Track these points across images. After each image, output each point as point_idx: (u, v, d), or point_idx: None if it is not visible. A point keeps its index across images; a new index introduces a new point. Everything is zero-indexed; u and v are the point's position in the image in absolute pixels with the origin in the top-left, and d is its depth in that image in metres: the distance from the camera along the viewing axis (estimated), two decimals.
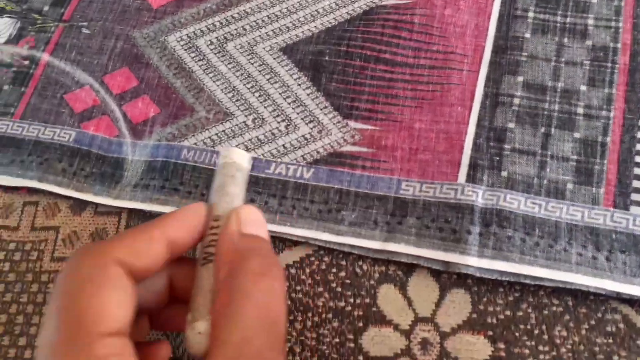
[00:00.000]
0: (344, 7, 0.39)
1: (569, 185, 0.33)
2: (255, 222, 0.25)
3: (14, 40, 0.41)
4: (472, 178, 0.33)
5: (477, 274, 0.31)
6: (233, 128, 0.36)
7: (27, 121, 0.38)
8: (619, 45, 0.36)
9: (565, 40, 0.37)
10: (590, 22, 0.37)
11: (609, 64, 0.36)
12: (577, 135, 0.34)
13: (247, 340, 0.21)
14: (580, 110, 0.35)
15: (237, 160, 0.27)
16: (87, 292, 0.21)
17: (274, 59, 0.38)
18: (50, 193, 0.36)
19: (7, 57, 0.40)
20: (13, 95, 0.39)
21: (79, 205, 0.36)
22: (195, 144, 0.36)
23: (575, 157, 0.34)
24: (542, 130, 0.34)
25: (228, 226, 0.24)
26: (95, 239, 0.35)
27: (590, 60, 0.36)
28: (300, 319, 0.32)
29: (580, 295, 0.31)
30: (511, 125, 0.35)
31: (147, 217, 0.35)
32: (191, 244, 0.25)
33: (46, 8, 0.41)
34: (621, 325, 0.30)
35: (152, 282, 0.25)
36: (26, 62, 0.40)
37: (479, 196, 0.33)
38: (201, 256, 0.24)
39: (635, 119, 0.34)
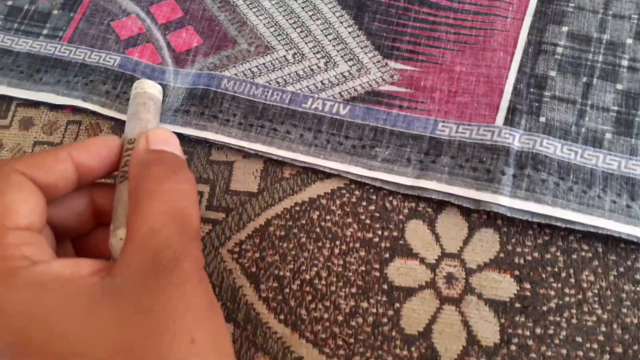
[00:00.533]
0: None
1: (608, 135, 0.33)
2: (164, 140, 0.27)
3: None
4: (509, 122, 0.33)
5: (508, 214, 0.31)
6: (273, 61, 0.37)
7: (75, 45, 0.39)
8: None
9: None
10: None
11: None
12: (619, 87, 0.34)
13: (154, 231, 0.22)
14: (625, 63, 0.34)
15: (148, 90, 0.31)
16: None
17: None
18: (93, 113, 0.37)
19: None
20: (62, 19, 0.40)
21: (119, 127, 0.37)
22: (235, 74, 0.37)
23: (615, 107, 0.33)
24: (584, 80, 0.34)
25: (138, 145, 0.27)
26: None
27: (639, 14, 0.35)
28: (328, 246, 0.32)
29: (611, 243, 0.31)
30: (552, 73, 0.34)
31: (185, 141, 0.35)
32: (103, 172, 0.27)
33: None
34: None
35: (71, 204, 0.27)
36: None
37: (515, 139, 0.33)
38: (119, 175, 0.27)
39: None
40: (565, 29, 0.35)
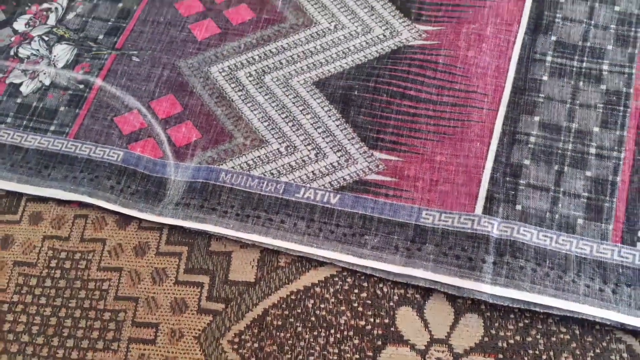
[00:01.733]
0: (374, 45, 0.42)
1: (580, 221, 0.35)
2: None
3: (71, 65, 0.44)
4: (488, 210, 0.36)
5: (490, 300, 0.33)
6: (267, 154, 0.40)
7: (80, 140, 0.41)
8: (631, 90, 0.38)
9: (581, 84, 0.39)
10: (605, 67, 0.39)
11: (621, 108, 0.38)
12: (588, 173, 0.36)
13: None
14: (593, 151, 0.37)
15: None
16: None
17: (307, 92, 0.41)
18: (99, 207, 0.39)
19: (64, 81, 0.44)
20: (68, 116, 0.43)
21: (124, 220, 0.39)
22: (232, 167, 0.39)
23: (586, 194, 0.36)
24: (556, 167, 0.37)
25: None
26: (138, 252, 0.38)
27: (604, 103, 0.38)
28: (323, 334, 0.34)
29: (587, 325, 0.33)
30: (527, 162, 0.37)
31: (186, 233, 0.38)
32: None
33: (101, 37, 0.45)
34: (625, 355, 0.32)
35: None
36: (81, 86, 0.43)
37: (494, 227, 0.35)
38: None
39: None
40: (537, 118, 0.38)
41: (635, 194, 0.36)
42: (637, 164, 0.36)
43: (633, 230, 0.35)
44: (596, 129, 0.38)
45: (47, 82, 0.44)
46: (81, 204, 0.40)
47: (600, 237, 0.35)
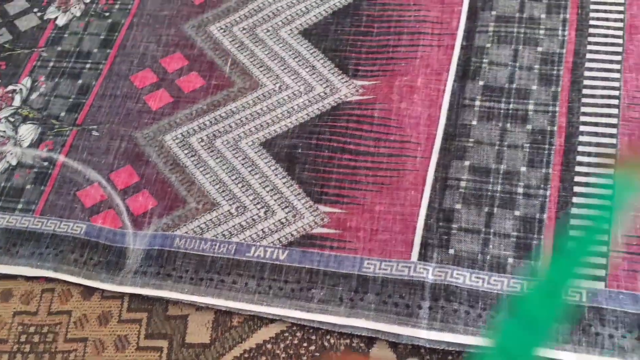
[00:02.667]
0: (316, 103, 0.45)
1: (510, 260, 0.37)
2: None
3: (35, 144, 0.47)
4: (423, 256, 0.38)
5: (427, 345, 0.35)
6: (219, 216, 0.42)
7: (46, 216, 0.44)
8: (555, 128, 0.41)
9: (508, 125, 0.41)
10: (531, 107, 0.42)
11: (547, 146, 0.40)
12: (517, 213, 0.39)
13: None
14: (520, 190, 0.39)
15: None
16: None
17: (255, 152, 0.44)
18: (64, 280, 0.42)
19: (30, 159, 0.47)
20: (34, 193, 0.45)
21: (88, 291, 0.41)
22: (186, 232, 0.42)
23: (515, 233, 0.38)
24: (486, 209, 0.39)
25: None
26: (102, 321, 0.40)
27: (530, 142, 0.41)
28: None
29: None
30: (458, 206, 0.39)
31: (145, 299, 0.40)
32: None
33: (62, 114, 0.48)
34: None
35: None
36: (45, 163, 0.46)
37: (429, 273, 0.37)
38: None
39: (569, 196, 0.38)
40: (467, 163, 0.41)
41: (561, 231, 0.38)
42: (562, 200, 0.38)
43: None
44: (523, 169, 0.40)
45: (14, 162, 0.47)
46: (48, 279, 0.42)
47: (530, 274, 0.37)
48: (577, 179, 0.39)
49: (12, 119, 0.49)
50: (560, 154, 0.40)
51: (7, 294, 0.42)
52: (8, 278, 0.43)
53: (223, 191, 0.43)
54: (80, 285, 0.41)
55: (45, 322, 0.41)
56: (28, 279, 0.42)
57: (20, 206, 0.45)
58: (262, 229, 0.41)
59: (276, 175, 0.43)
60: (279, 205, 0.42)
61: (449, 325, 0.35)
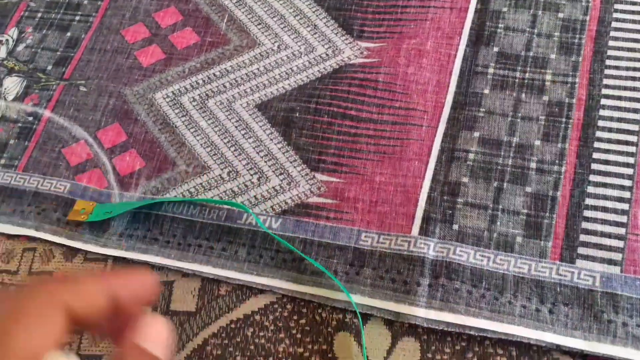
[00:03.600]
0: (316, 65, 0.42)
1: (518, 239, 0.35)
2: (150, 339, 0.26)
3: (20, 97, 0.45)
4: (424, 231, 0.35)
5: (425, 324, 0.33)
6: (209, 181, 0.40)
7: (29, 173, 0.42)
8: (574, 100, 0.38)
9: (523, 95, 0.39)
10: (548, 77, 0.39)
11: (564, 119, 0.37)
12: (528, 189, 0.36)
13: None
14: (533, 165, 0.36)
15: None
16: (28, 335, 0.23)
17: (250, 115, 0.41)
18: (47, 240, 0.40)
19: (14, 114, 0.44)
20: (18, 149, 0.43)
21: (70, 252, 0.39)
22: (175, 196, 0.39)
23: (525, 211, 0.35)
24: (495, 184, 0.36)
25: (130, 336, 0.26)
26: None
27: (546, 115, 0.38)
28: None
29: (524, 346, 0.32)
30: (465, 179, 0.37)
31: (130, 264, 0.38)
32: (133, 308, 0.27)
33: (49, 67, 0.46)
34: None
35: None
36: (30, 118, 0.44)
37: (430, 249, 0.35)
38: None
39: (586, 173, 0.36)
40: (476, 134, 0.38)
41: (575, 210, 0.35)
42: (577, 177, 0.36)
43: (572, 247, 0.34)
44: (537, 143, 0.37)
45: None
46: (29, 237, 0.40)
47: (539, 255, 0.34)
48: (595, 155, 0.36)
49: None
50: (579, 128, 0.37)
51: None
52: None
53: (214, 154, 0.40)
54: (62, 245, 0.39)
55: (26, 282, 0.39)
56: (9, 237, 0.40)
57: (2, 161, 0.43)
58: (254, 196, 0.39)
59: (271, 139, 0.40)
60: (273, 171, 0.39)
61: (449, 305, 0.33)
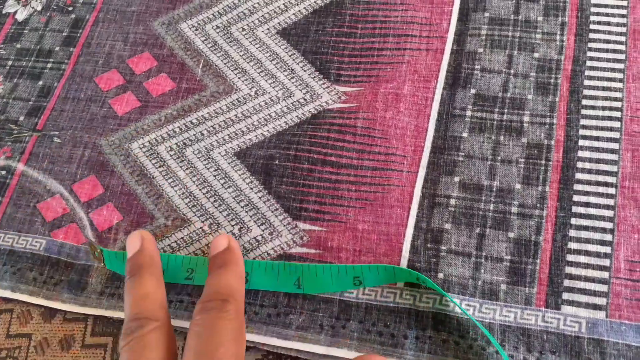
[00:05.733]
0: (295, 110, 0.42)
1: (503, 286, 0.35)
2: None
3: None
4: (410, 282, 0.35)
5: None
6: (191, 234, 0.39)
7: (3, 230, 0.41)
8: (552, 142, 0.38)
9: (502, 138, 0.39)
10: (526, 118, 0.39)
11: (543, 161, 0.37)
12: (511, 235, 0.36)
13: None
14: (515, 210, 0.37)
15: None
16: None
17: (229, 163, 0.41)
18: (24, 301, 0.38)
19: None
20: None
21: (49, 312, 0.38)
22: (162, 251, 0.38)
23: (509, 257, 0.35)
24: (477, 230, 0.36)
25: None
26: (64, 345, 0.37)
27: (525, 157, 0.38)
28: None
29: None
30: (447, 226, 0.37)
31: (111, 323, 0.37)
32: None
33: (22, 118, 0.45)
34: None
35: None
36: (3, 172, 0.43)
37: (416, 299, 0.34)
38: None
39: (567, 216, 0.36)
40: (457, 179, 0.38)
41: (558, 254, 0.35)
42: (559, 221, 0.36)
43: (557, 293, 0.34)
44: (518, 186, 0.37)
45: None
46: (6, 298, 0.39)
47: (524, 302, 0.34)
48: (575, 197, 0.36)
49: None
50: (558, 170, 0.37)
51: None
52: None
53: (194, 206, 0.40)
54: (41, 305, 0.38)
55: (3, 345, 0.38)
56: None
57: None
58: None
59: (251, 189, 0.40)
60: (254, 221, 0.39)
61: (436, 358, 0.33)
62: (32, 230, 0.41)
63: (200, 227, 0.39)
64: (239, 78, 0.44)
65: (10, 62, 0.47)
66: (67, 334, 0.37)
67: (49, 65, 0.47)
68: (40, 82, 0.46)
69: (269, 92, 0.43)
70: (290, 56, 0.44)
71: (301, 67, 0.43)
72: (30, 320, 0.38)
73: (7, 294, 0.38)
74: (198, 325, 0.30)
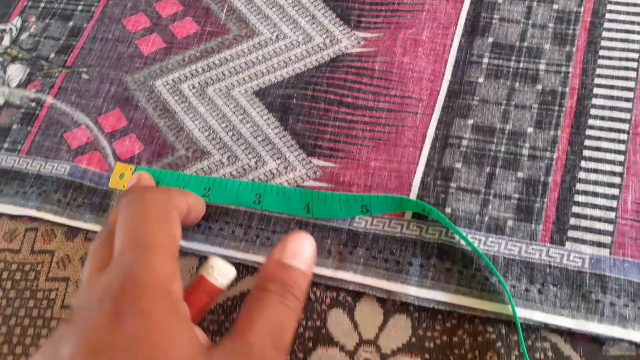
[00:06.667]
0: (314, 54, 0.43)
1: (509, 222, 0.35)
2: (293, 254, 0.31)
3: (23, 84, 0.46)
4: (417, 214, 0.36)
5: (416, 303, 0.34)
6: (210, 165, 0.40)
7: (31, 157, 0.43)
8: (567, 89, 0.38)
9: (517, 84, 0.39)
10: (542, 67, 0.39)
11: (556, 107, 0.38)
12: (520, 175, 0.37)
13: (251, 345, 0.27)
14: (526, 152, 0.37)
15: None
16: (159, 225, 0.30)
17: (247, 101, 0.42)
18: (48, 220, 0.40)
19: (18, 100, 0.45)
20: (20, 133, 0.44)
21: (71, 232, 0.40)
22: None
23: (517, 195, 0.36)
24: (488, 170, 0.37)
25: (274, 254, 0.31)
26: (84, 261, 0.39)
27: (539, 103, 0.38)
28: None
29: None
30: (458, 165, 0.37)
31: None
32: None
33: (52, 55, 0.47)
34: (550, 353, 0.32)
35: None
36: (33, 104, 0.45)
37: (422, 231, 0.35)
38: None
39: (577, 160, 0.36)
40: (470, 121, 0.39)
41: (566, 194, 0.36)
42: (569, 163, 0.36)
43: (562, 230, 0.35)
44: (530, 130, 0.38)
45: (1, 102, 0.46)
46: (32, 218, 0.41)
47: (530, 237, 0.35)
48: (587, 142, 0.37)
49: (0, 59, 0.48)
50: (571, 116, 0.38)
51: None
52: None
53: (213, 139, 0.41)
54: (64, 226, 0.40)
55: (27, 260, 0.40)
56: (12, 217, 0.41)
57: (6, 145, 0.44)
58: (252, 179, 0.39)
59: (268, 125, 0.41)
60: (270, 156, 0.40)
61: (440, 284, 0.34)
62: (57, 157, 0.42)
63: (219, 159, 0.40)
64: (261, 22, 0.45)
65: (42, 4, 0.49)
66: (88, 251, 0.39)
67: (79, 7, 0.49)
68: (71, 23, 0.48)
69: (289, 37, 0.44)
70: (311, 3, 0.45)
71: (322, 14, 0.44)
72: (54, 239, 0.40)
73: (33, 212, 0.40)
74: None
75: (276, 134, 0.41)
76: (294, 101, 0.41)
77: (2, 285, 0.39)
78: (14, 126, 0.44)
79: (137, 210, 0.30)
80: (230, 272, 0.33)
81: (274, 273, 0.30)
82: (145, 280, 0.26)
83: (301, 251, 0.31)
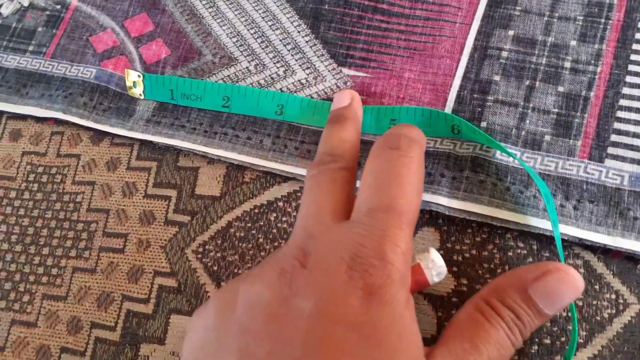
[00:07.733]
0: None
1: (547, 137, 0.34)
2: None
3: None
4: (452, 128, 0.35)
5: (447, 213, 0.33)
6: (237, 73, 0.39)
7: (57, 60, 0.42)
8: (615, 1, 0.36)
9: None
10: None
11: (602, 20, 0.36)
12: (561, 89, 0.35)
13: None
14: (568, 65, 0.35)
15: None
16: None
17: (277, 6, 0.40)
18: (74, 124, 0.40)
19: (42, 2, 0.44)
20: (46, 36, 0.43)
21: (97, 136, 0.40)
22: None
23: (556, 110, 0.35)
24: (527, 83, 0.35)
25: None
26: (110, 166, 0.39)
27: (585, 15, 0.36)
28: (283, 244, 0.35)
29: (545, 240, 0.33)
30: (496, 77, 0.36)
31: (156, 149, 0.38)
32: None
33: None
34: (582, 270, 0.32)
35: None
36: (58, 7, 0.44)
37: (456, 146, 0.34)
38: None
39: (622, 74, 0.35)
40: (511, 32, 0.37)
41: (608, 110, 0.34)
42: (613, 78, 0.35)
43: (602, 147, 0.33)
44: (573, 43, 0.36)
45: (25, 3, 0.44)
46: (57, 121, 0.41)
47: (567, 153, 0.34)
48: (633, 57, 0.35)
49: None
50: (618, 29, 0.36)
51: (17, 133, 0.41)
52: (18, 118, 0.41)
53: (241, 45, 0.40)
54: (89, 130, 0.40)
55: (54, 163, 0.40)
56: (38, 120, 0.41)
57: (31, 48, 0.43)
58: (280, 88, 0.38)
59: (299, 32, 0.40)
60: (299, 65, 0.39)
61: (472, 196, 0.33)
62: (83, 60, 0.42)
63: (247, 67, 0.39)
64: None
65: None
66: (114, 156, 0.39)
67: None
68: None
69: None
70: None
71: None
72: (80, 143, 0.40)
73: (59, 115, 0.40)
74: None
75: (306, 42, 0.39)
76: (327, 7, 0.39)
77: (28, 188, 0.40)
78: (39, 29, 0.43)
79: (407, 174, 0.27)
80: (443, 274, 0.29)
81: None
82: (393, 260, 0.24)
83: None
